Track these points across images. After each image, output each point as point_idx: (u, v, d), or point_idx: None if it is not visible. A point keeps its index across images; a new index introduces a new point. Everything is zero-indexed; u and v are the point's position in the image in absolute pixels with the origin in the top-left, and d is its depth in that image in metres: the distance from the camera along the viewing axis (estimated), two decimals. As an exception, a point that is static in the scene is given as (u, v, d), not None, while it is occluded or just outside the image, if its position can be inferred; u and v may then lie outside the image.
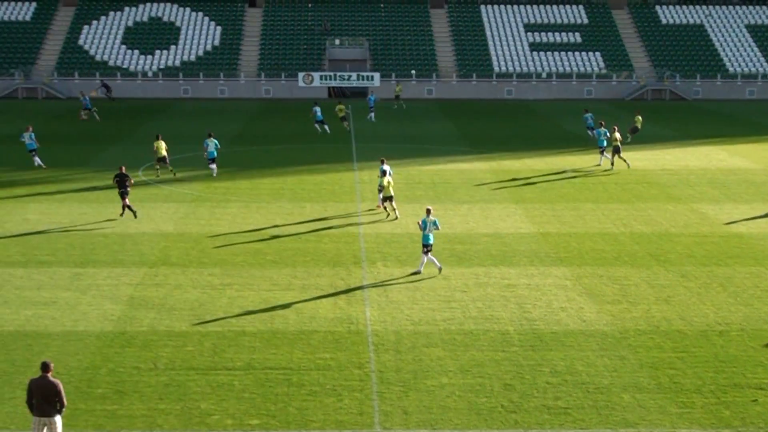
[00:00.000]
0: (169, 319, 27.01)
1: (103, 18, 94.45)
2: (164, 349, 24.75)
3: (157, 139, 48.18)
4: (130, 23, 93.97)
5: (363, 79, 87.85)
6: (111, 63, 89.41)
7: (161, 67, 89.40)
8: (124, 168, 39.61)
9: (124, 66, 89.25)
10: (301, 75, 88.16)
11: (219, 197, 43.30)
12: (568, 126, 68.95)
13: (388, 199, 38.84)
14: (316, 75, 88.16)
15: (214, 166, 48.22)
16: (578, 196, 44.48)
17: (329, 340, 25.51)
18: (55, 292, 29.32)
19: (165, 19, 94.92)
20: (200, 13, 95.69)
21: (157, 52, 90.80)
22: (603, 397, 22.22)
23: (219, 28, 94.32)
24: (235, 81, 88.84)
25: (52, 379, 18.55)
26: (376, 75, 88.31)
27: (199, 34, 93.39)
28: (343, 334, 25.93)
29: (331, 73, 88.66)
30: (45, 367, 18.57)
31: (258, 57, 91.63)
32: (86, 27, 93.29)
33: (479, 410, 21.47)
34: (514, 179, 48.23)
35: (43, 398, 18.37)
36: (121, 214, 39.10)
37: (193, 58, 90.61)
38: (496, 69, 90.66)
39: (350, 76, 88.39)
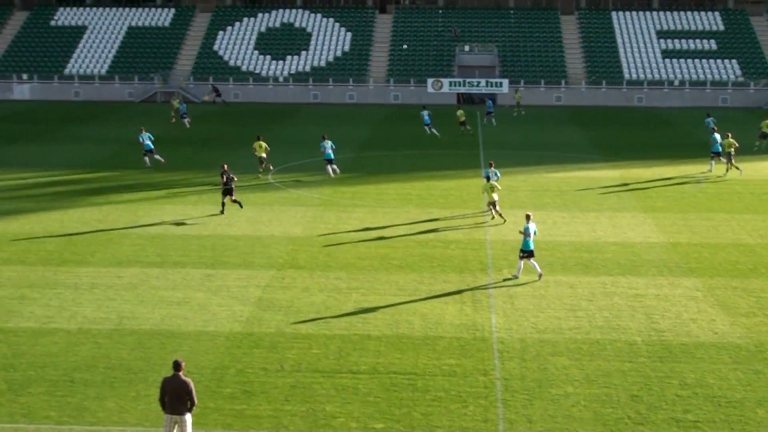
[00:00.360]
0: (296, 321, 27.36)
1: (237, 24, 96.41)
2: (290, 351, 25.08)
3: (258, 139, 50.10)
4: (262, 29, 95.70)
5: (492, 86, 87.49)
6: (243, 68, 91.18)
7: (292, 72, 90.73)
8: (226, 166, 41.60)
9: (256, 71, 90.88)
10: (430, 81, 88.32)
11: (346, 202, 43.70)
12: (701, 135, 67.33)
13: (492, 204, 39.27)
14: (446, 81, 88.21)
15: (332, 167, 48.80)
16: (711, 205, 43.42)
17: (454, 346, 25.48)
18: (188, 293, 30.03)
19: (297, 25, 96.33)
20: (331, 19, 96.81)
21: (288, 57, 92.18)
22: (736, 411, 21.62)
23: (349, 34, 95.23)
24: (364, 86, 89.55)
25: (183, 377, 18.87)
26: (505, 81, 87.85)
27: (329, 39, 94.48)
28: (468, 341, 25.87)
29: (460, 80, 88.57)
30: (177, 365, 18.90)
31: (387, 63, 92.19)
32: (221, 33, 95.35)
33: (605, 421, 21.14)
34: (643, 187, 47.35)
35: (175, 396, 18.70)
36: (222, 212, 40.72)
37: (323, 63, 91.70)
38: (627, 76, 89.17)
39: (479, 83, 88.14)
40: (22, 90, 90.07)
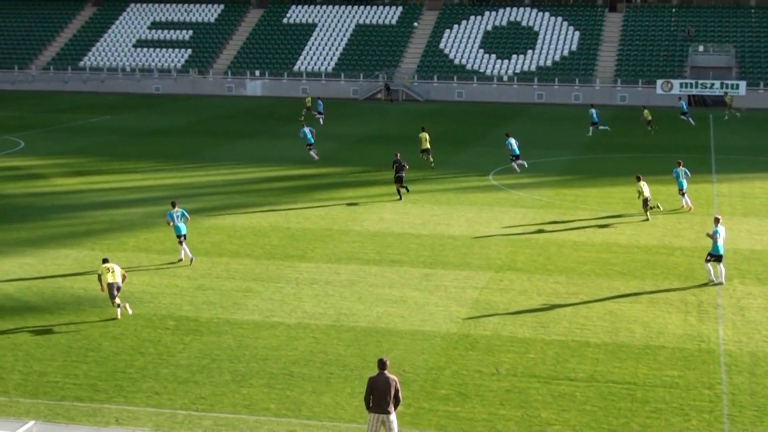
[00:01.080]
0: (513, 324, 27.21)
1: (464, 22, 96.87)
2: (507, 354, 24.95)
3: (422, 131, 52.77)
4: (489, 27, 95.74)
5: (727, 88, 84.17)
6: (468, 67, 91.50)
7: (517, 71, 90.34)
8: (399, 154, 44.93)
9: (481, 70, 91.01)
10: (659, 82, 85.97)
11: (568, 204, 43.12)
12: None
13: (644, 202, 39.91)
14: (676, 82, 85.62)
15: (517, 163, 50.37)
16: None
17: (677, 357, 24.69)
18: (405, 291, 30.37)
19: (524, 23, 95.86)
20: (559, 18, 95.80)
21: (514, 56, 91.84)
22: None
23: (577, 33, 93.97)
24: (590, 87, 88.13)
25: (389, 375, 19.01)
26: (742, 83, 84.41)
27: (557, 38, 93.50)
28: (692, 352, 25.01)
29: (692, 81, 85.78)
30: (382, 364, 19.04)
31: (615, 63, 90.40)
32: (447, 31, 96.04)
33: (841, 447, 19.98)
34: None
35: (381, 395, 18.81)
36: (399, 198, 43.69)
37: (549, 63, 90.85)
38: None
39: (712, 84, 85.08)
40: (255, 86, 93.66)
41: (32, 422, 20.21)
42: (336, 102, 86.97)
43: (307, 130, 55.36)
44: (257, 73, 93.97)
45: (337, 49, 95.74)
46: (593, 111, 66.65)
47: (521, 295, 29.96)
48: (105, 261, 28.62)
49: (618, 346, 25.47)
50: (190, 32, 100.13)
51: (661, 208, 40.90)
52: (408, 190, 44.50)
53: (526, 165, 51.53)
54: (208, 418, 21.22)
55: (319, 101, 74.85)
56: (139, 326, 26.91)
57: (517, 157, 50.89)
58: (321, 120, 71.57)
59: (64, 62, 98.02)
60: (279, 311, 28.35)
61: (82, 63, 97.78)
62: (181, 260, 33.49)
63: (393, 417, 19.02)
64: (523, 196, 45.07)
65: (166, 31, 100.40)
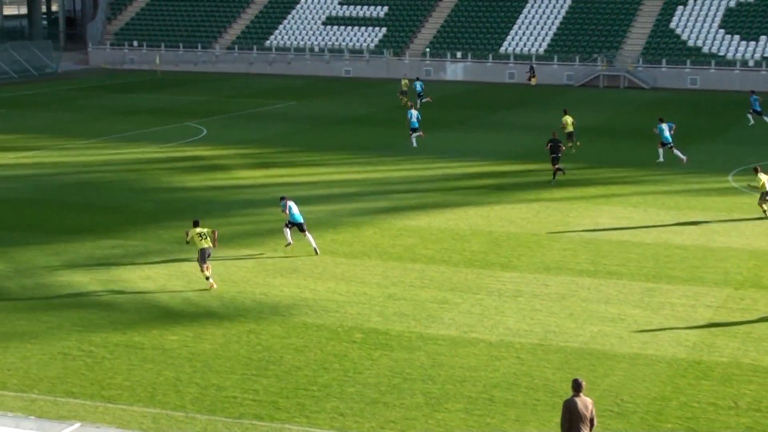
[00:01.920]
0: (756, 351, 26.35)
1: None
2: (748, 386, 24.17)
3: (565, 113, 56.01)
4: (732, 4, 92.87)
5: None
6: (705, 50, 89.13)
7: (765, 55, 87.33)
8: (556, 134, 48.11)
9: (720, 53, 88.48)
10: None
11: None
12: None
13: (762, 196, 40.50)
14: None
15: (663, 150, 51.54)
16: None
17: None
18: (624, 308, 29.86)
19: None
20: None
21: (763, 38, 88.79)
22: None
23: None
24: None
25: (586, 398, 18.97)
26: None
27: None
28: None
29: None
30: (578, 385, 18.96)
31: None
32: (680, 8, 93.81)
33: None
34: None
35: (579, 420, 18.72)
36: (552, 181, 46.62)
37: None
38: None
39: None
40: (455, 70, 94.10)
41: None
42: (547, 88, 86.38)
43: (413, 112, 57.52)
44: (459, 54, 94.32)
45: (550, 28, 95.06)
46: (754, 98, 66.19)
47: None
48: (196, 224, 29.59)
49: None
50: (386, 8, 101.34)
51: None
52: (564, 172, 47.04)
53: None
54: (397, 444, 21.42)
55: (418, 82, 76.12)
56: (324, 338, 27.38)
57: (665, 145, 51.42)
58: (419, 102, 72.78)
59: (248, 41, 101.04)
60: (478, 326, 28.33)
61: (267, 43, 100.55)
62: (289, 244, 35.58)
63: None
64: None
65: (358, 7, 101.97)
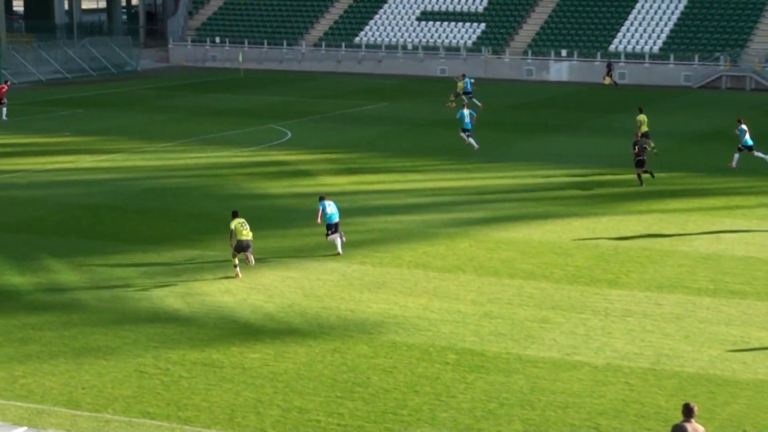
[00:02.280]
0: None
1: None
2: None
3: (640, 112, 56.50)
4: None
5: None
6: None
7: None
8: (640, 134, 49.41)
9: None
10: None
11: None
12: None
13: None
14: None
15: (739, 154, 51.38)
16: None
17: None
18: (748, 330, 29.41)
19: None
20: None
21: None
22: None
23: None
24: None
25: (697, 426, 18.75)
26: None
27: None
28: None
29: None
30: (689, 411, 18.84)
31: None
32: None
33: None
34: None
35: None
36: (641, 184, 47.48)
37: None
38: None
39: None
40: (560, 69, 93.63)
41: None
42: (662, 90, 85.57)
43: (465, 112, 57.87)
44: (563, 53, 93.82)
45: (666, 24, 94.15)
46: None
47: None
48: (235, 215, 29.81)
49: None
50: (485, 2, 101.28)
51: None
52: (653, 176, 48.01)
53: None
54: (493, 476, 21.28)
55: (468, 79, 76.44)
56: (414, 359, 27.32)
57: (742, 149, 51.64)
58: (465, 99, 72.11)
59: (336, 38, 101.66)
60: (583, 348, 28.08)
61: (357, 39, 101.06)
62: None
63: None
64: None
65: (455, 1, 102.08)
